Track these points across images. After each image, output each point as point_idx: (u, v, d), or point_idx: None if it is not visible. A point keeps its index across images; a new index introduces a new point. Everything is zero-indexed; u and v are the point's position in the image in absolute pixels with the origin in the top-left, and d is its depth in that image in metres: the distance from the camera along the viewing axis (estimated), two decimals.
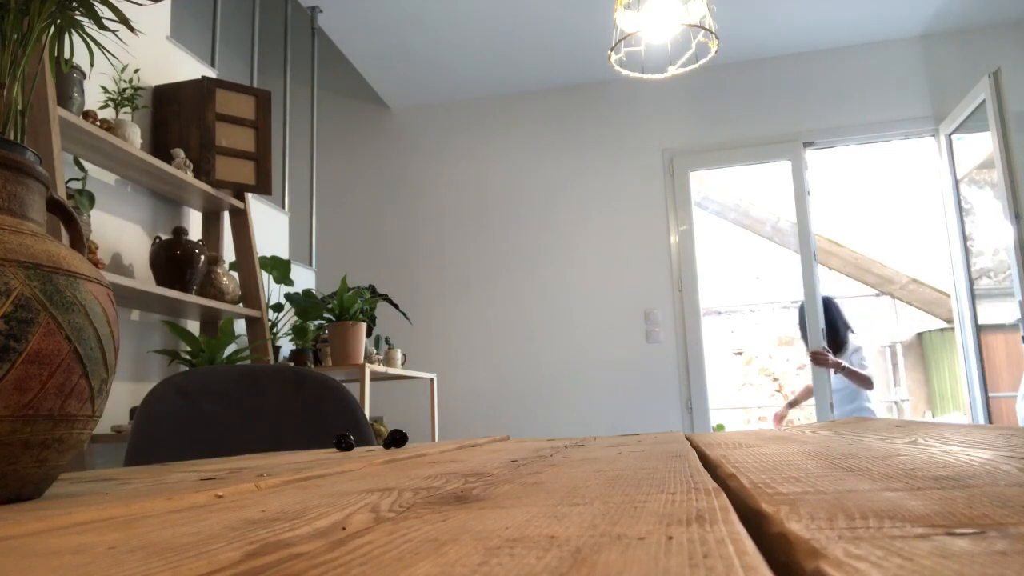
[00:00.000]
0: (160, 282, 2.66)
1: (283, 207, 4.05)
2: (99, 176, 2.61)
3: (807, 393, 4.49)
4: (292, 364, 3.20)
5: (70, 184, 2.31)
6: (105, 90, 2.58)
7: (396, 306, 3.71)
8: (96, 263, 2.40)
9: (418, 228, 5.04)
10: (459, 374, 4.71)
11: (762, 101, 4.69)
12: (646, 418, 4.49)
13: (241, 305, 2.99)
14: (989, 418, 4.15)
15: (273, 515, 0.36)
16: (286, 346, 3.41)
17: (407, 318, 3.88)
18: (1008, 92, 3.82)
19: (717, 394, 5.08)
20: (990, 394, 4.18)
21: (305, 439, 1.52)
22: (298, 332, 3.31)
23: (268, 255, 3.32)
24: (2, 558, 0.28)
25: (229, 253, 3.13)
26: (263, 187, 3.06)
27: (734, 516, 0.29)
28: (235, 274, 3.05)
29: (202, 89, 2.90)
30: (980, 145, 4.21)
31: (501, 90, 5.01)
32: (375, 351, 3.63)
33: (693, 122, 4.76)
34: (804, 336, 4.49)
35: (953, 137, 4.37)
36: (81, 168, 2.39)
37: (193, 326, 3.00)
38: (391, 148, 5.17)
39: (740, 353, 8.58)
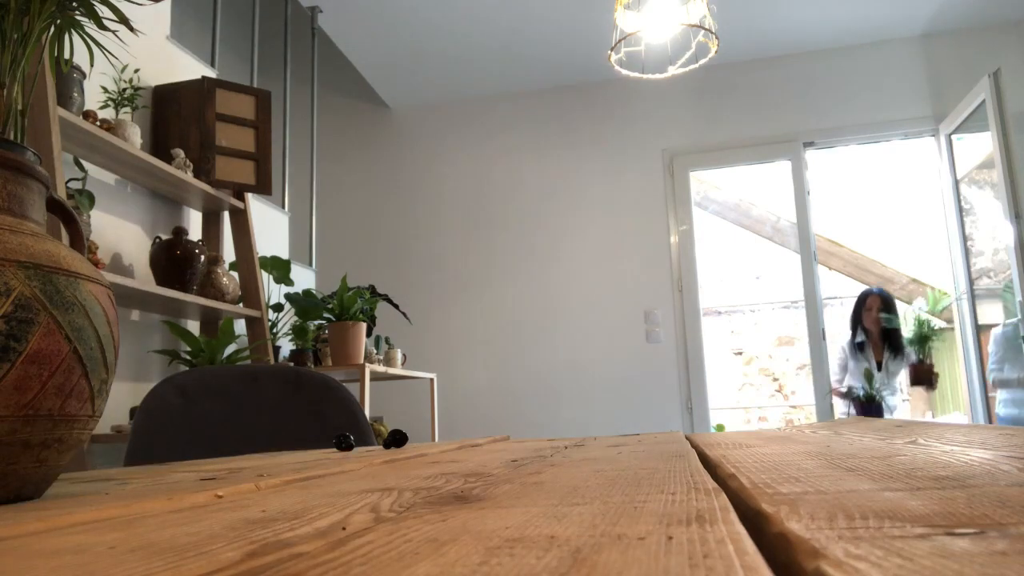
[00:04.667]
0: (160, 282, 2.66)
1: (283, 207, 4.05)
2: (99, 176, 2.61)
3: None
4: (292, 364, 3.20)
5: (70, 184, 2.31)
6: (105, 90, 2.58)
7: (396, 306, 3.71)
8: (96, 263, 2.40)
9: (418, 228, 5.04)
10: (459, 374, 4.72)
11: (762, 101, 4.69)
12: (646, 418, 4.49)
13: (241, 305, 2.99)
14: (989, 418, 4.15)
15: (273, 515, 0.36)
16: (286, 346, 3.41)
17: (407, 318, 3.88)
18: (1008, 92, 3.83)
19: (717, 394, 5.07)
20: (990, 394, 4.18)
21: (305, 439, 1.52)
22: (298, 332, 3.31)
23: (268, 255, 3.32)
24: (2, 558, 0.28)
25: (229, 253, 3.13)
26: (263, 187, 3.06)
27: (734, 516, 0.29)
28: (235, 274, 3.05)
29: (202, 89, 2.90)
30: (980, 145, 4.21)
31: (501, 90, 5.01)
32: (375, 351, 3.63)
33: (693, 122, 4.76)
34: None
35: (953, 137, 4.37)
36: (81, 168, 2.39)
37: (193, 326, 3.00)
38: (391, 148, 5.17)
39: (740, 353, 8.58)
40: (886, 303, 4.11)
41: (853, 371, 4.15)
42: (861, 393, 4.04)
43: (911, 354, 4.13)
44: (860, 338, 4.17)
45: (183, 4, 3.57)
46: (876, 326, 4.09)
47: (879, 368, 4.08)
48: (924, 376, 3.97)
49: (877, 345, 4.10)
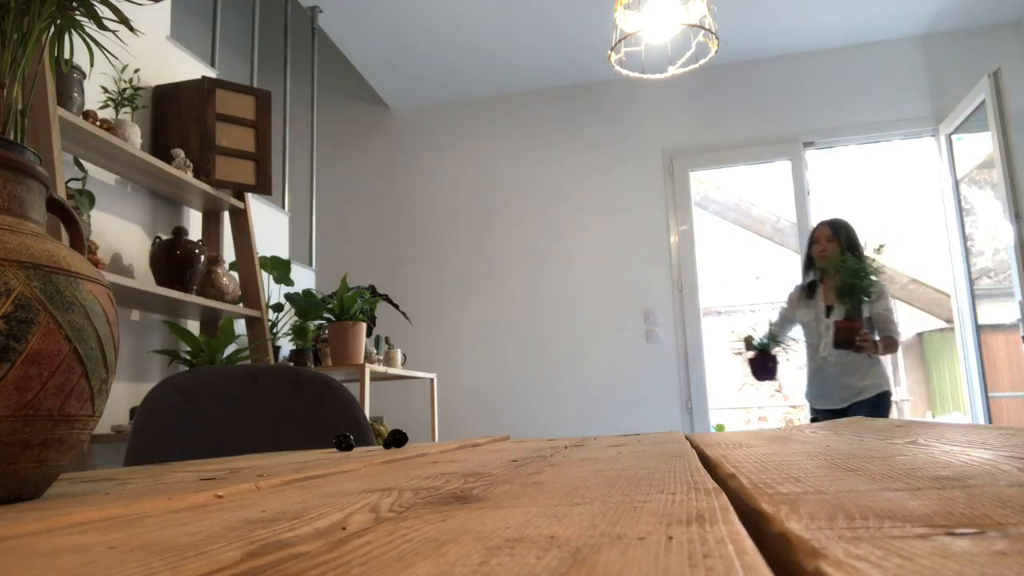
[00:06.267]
0: (160, 282, 2.66)
1: (283, 207, 4.06)
2: (99, 176, 2.61)
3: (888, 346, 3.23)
4: (292, 364, 3.20)
5: (70, 184, 2.31)
6: (105, 90, 2.58)
7: (396, 306, 3.71)
8: (96, 263, 2.40)
9: (418, 228, 5.04)
10: (459, 374, 4.72)
11: (762, 101, 4.69)
12: (646, 418, 4.49)
13: (241, 305, 2.99)
14: (989, 418, 4.15)
15: (273, 515, 0.36)
16: (286, 346, 3.41)
17: (407, 318, 3.88)
18: (1008, 92, 3.83)
19: (717, 394, 5.04)
20: (990, 394, 4.18)
21: (305, 439, 1.52)
22: (298, 332, 3.31)
23: (268, 255, 3.32)
24: (2, 558, 0.28)
25: (229, 253, 3.13)
26: (263, 187, 3.06)
27: (734, 516, 0.29)
28: (235, 274, 3.05)
29: (202, 89, 2.90)
30: (980, 145, 4.21)
31: (501, 90, 5.01)
32: (375, 351, 3.63)
33: (693, 122, 4.76)
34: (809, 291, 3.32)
35: (953, 137, 4.37)
36: (81, 168, 2.39)
37: (193, 326, 3.00)
38: (391, 148, 5.18)
39: (740, 353, 8.58)
40: (838, 232, 3.27)
41: (803, 321, 3.39)
42: (757, 340, 3.41)
43: (879, 304, 3.18)
44: (811, 277, 3.37)
45: (183, 4, 3.57)
46: (826, 263, 3.26)
47: (827, 314, 3.25)
48: (846, 337, 3.11)
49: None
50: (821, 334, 3.28)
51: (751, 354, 3.50)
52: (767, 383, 3.53)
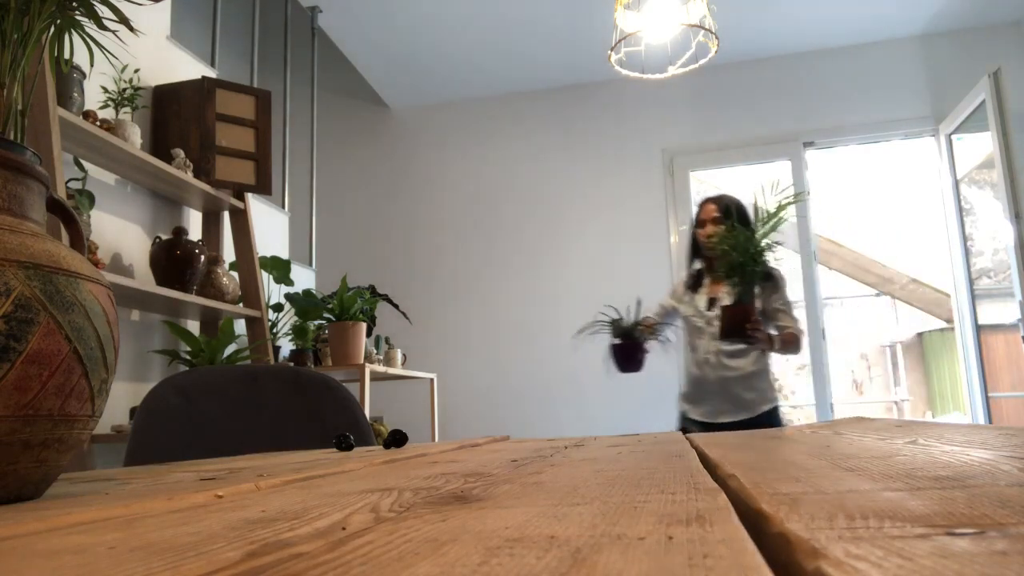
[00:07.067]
0: (160, 282, 2.66)
1: (283, 207, 4.05)
2: (99, 176, 2.61)
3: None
4: (292, 364, 3.19)
5: (70, 184, 2.31)
6: (105, 90, 2.58)
7: (396, 306, 3.71)
8: (96, 263, 2.40)
9: (418, 228, 5.04)
10: (459, 374, 4.71)
11: (762, 101, 4.69)
12: (646, 418, 4.48)
13: (241, 305, 2.99)
14: (989, 418, 4.15)
15: (273, 515, 0.36)
16: (286, 346, 3.41)
17: (407, 318, 3.88)
18: (1008, 92, 3.83)
19: None
20: (990, 394, 4.18)
21: (305, 439, 1.52)
22: (298, 332, 3.31)
23: (268, 255, 3.32)
24: (2, 558, 0.28)
25: (229, 253, 3.13)
26: (263, 187, 3.06)
27: (734, 516, 0.29)
28: (235, 274, 3.05)
29: (202, 89, 2.90)
30: (980, 145, 4.22)
31: (501, 90, 5.01)
32: (375, 351, 3.63)
33: (693, 122, 4.76)
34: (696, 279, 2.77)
35: (953, 137, 4.37)
36: (81, 168, 2.39)
37: (193, 326, 3.00)
38: (391, 148, 5.18)
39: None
40: (727, 211, 2.64)
41: (685, 315, 2.82)
42: (625, 324, 2.81)
43: (774, 297, 2.63)
44: (698, 265, 2.82)
45: (183, 4, 3.57)
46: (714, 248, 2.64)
47: (709, 307, 2.69)
48: (736, 323, 2.47)
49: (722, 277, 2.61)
50: (703, 330, 2.72)
51: (616, 341, 2.89)
52: (631, 375, 2.88)
